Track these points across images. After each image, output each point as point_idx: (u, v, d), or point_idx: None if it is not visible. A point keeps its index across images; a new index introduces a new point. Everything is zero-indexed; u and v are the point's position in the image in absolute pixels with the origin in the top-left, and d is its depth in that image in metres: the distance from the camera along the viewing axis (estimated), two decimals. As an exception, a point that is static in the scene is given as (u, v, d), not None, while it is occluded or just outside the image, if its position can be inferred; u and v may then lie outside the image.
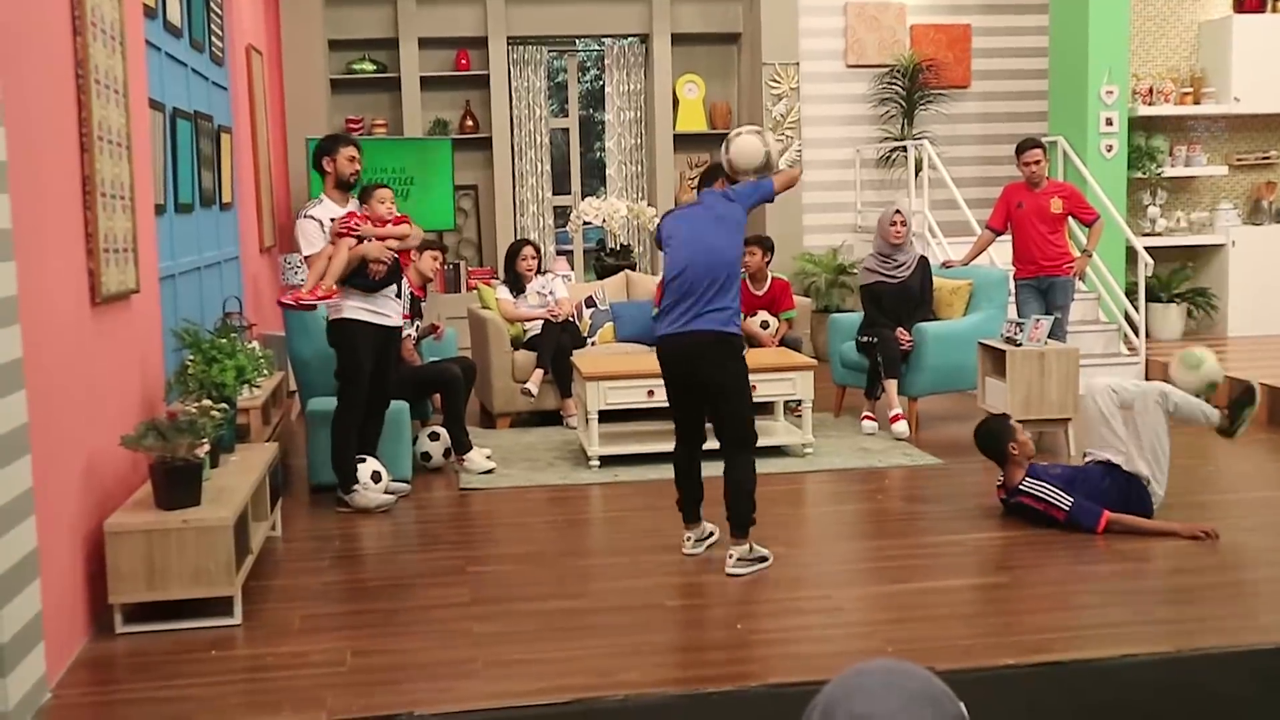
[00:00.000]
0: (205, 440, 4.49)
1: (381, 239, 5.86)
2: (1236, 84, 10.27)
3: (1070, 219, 7.95)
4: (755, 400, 6.96)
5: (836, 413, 7.98)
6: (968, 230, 9.24)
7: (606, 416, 6.87)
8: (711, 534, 5.20)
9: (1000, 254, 8.49)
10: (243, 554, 4.51)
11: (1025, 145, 7.90)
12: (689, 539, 5.17)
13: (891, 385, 7.42)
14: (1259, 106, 10.36)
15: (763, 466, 6.51)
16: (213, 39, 7.52)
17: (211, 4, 7.53)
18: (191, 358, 5.10)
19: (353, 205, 5.93)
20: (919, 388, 7.56)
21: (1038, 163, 7.82)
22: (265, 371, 5.48)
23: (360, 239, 5.77)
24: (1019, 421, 6.43)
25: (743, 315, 7.80)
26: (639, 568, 4.99)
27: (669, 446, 6.73)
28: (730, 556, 4.89)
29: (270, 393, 6.43)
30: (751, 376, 6.73)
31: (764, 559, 4.95)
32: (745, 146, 5.01)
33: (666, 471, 6.40)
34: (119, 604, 4.26)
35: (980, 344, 7.15)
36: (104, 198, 4.52)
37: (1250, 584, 4.68)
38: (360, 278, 5.78)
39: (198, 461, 4.41)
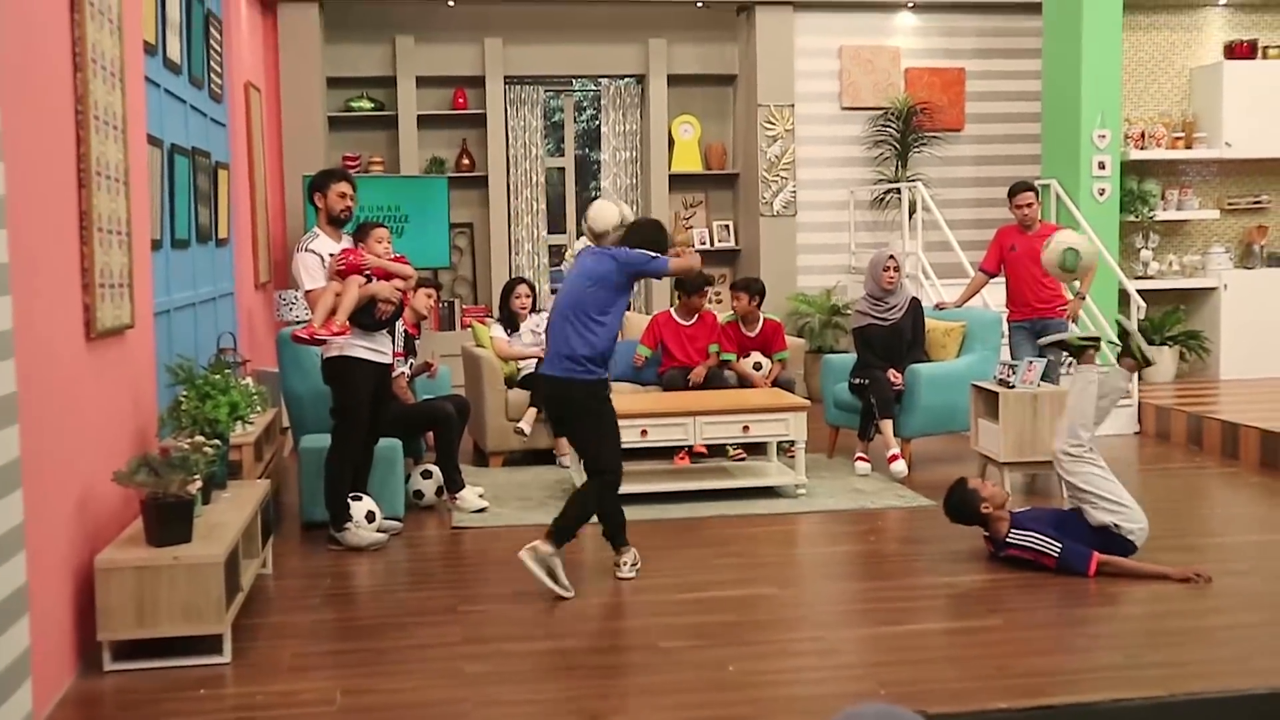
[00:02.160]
0: (197, 477, 4.49)
1: (388, 277, 5.87)
2: (1228, 129, 10.36)
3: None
4: (748, 440, 7.07)
5: (829, 454, 7.98)
6: (961, 272, 9.29)
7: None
8: (635, 563, 5.41)
9: (994, 296, 8.53)
10: (233, 591, 4.49)
11: (1018, 188, 7.95)
12: (621, 566, 5.41)
13: (887, 425, 7.43)
14: (1250, 151, 10.45)
15: (755, 507, 6.59)
16: (212, 76, 7.57)
17: (211, 41, 7.58)
18: (185, 393, 5.09)
19: (346, 241, 5.94)
20: (912, 429, 7.56)
21: (1030, 205, 7.87)
22: (259, 408, 5.47)
23: (369, 278, 5.78)
24: (1006, 464, 6.48)
25: (735, 356, 7.91)
26: (631, 608, 4.97)
27: (662, 486, 6.78)
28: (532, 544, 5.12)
29: (263, 429, 6.42)
30: (744, 417, 6.82)
31: (554, 577, 5.05)
32: (600, 211, 5.50)
33: (659, 511, 6.42)
34: (108, 641, 4.23)
35: (973, 385, 7.17)
36: (101, 233, 4.53)
37: (1243, 627, 4.67)
38: (364, 316, 5.78)
39: (189, 498, 4.40)
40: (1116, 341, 5.76)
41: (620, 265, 5.25)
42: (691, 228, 11.58)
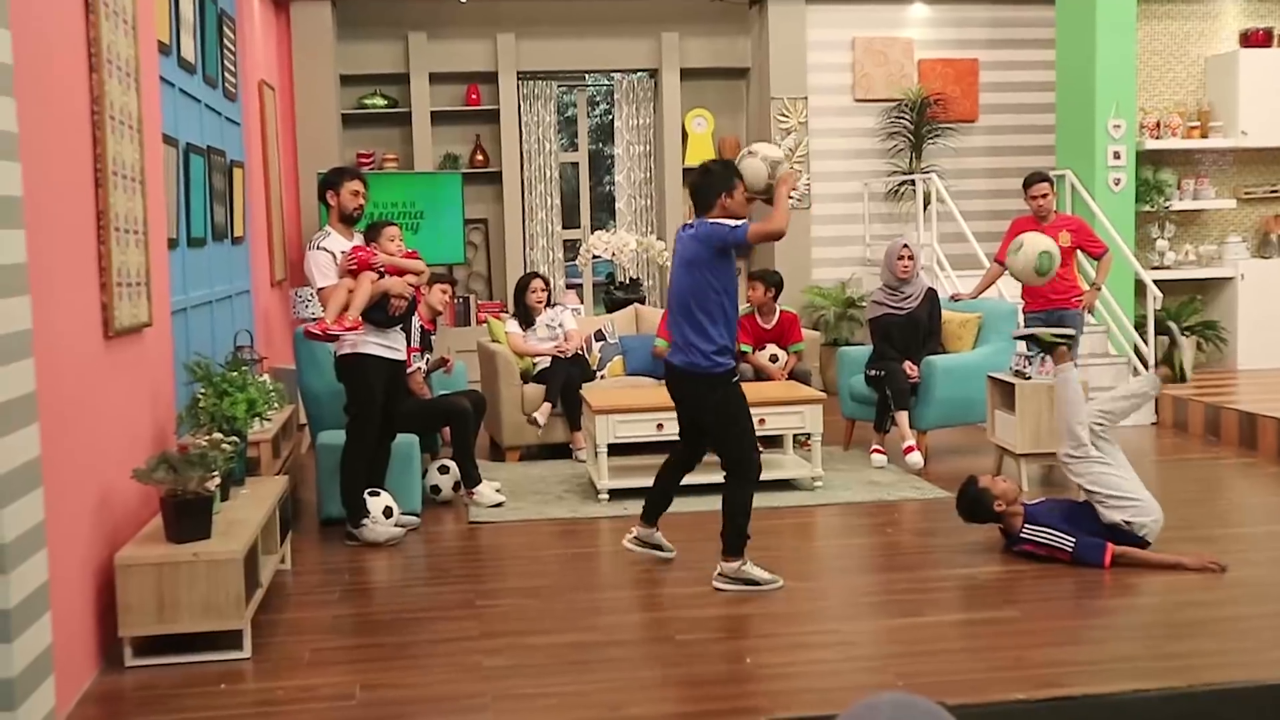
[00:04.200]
0: (216, 473, 4.51)
1: (400, 273, 5.90)
2: (1244, 118, 10.31)
3: (1079, 252, 7.97)
4: (764, 433, 7.06)
5: (846, 446, 7.98)
6: (976, 264, 9.26)
7: (616, 450, 6.88)
8: (659, 547, 5.40)
9: (1009, 287, 8.51)
10: (252, 587, 4.51)
11: (1033, 179, 7.92)
12: (632, 532, 5.45)
13: (903, 417, 7.42)
14: (1266, 140, 10.40)
15: (772, 500, 6.58)
16: (226, 75, 7.60)
17: (225, 40, 7.61)
18: (203, 391, 5.12)
19: (358, 239, 5.96)
20: (928, 420, 7.56)
21: (1045, 196, 7.84)
22: (276, 405, 5.49)
23: (381, 274, 5.81)
24: (1022, 455, 6.48)
25: (750, 348, 7.90)
26: (648, 601, 4.98)
27: (682, 480, 6.76)
28: (716, 571, 5.10)
29: (281, 426, 6.45)
30: (760, 410, 6.80)
31: (753, 582, 5.00)
32: (748, 170, 5.11)
33: (676, 504, 6.40)
34: (129, 637, 4.26)
35: (989, 377, 7.16)
36: (118, 232, 4.56)
37: (1260, 618, 4.66)
38: (378, 312, 5.80)
39: (208, 495, 4.42)
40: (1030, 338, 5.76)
41: (701, 243, 4.99)
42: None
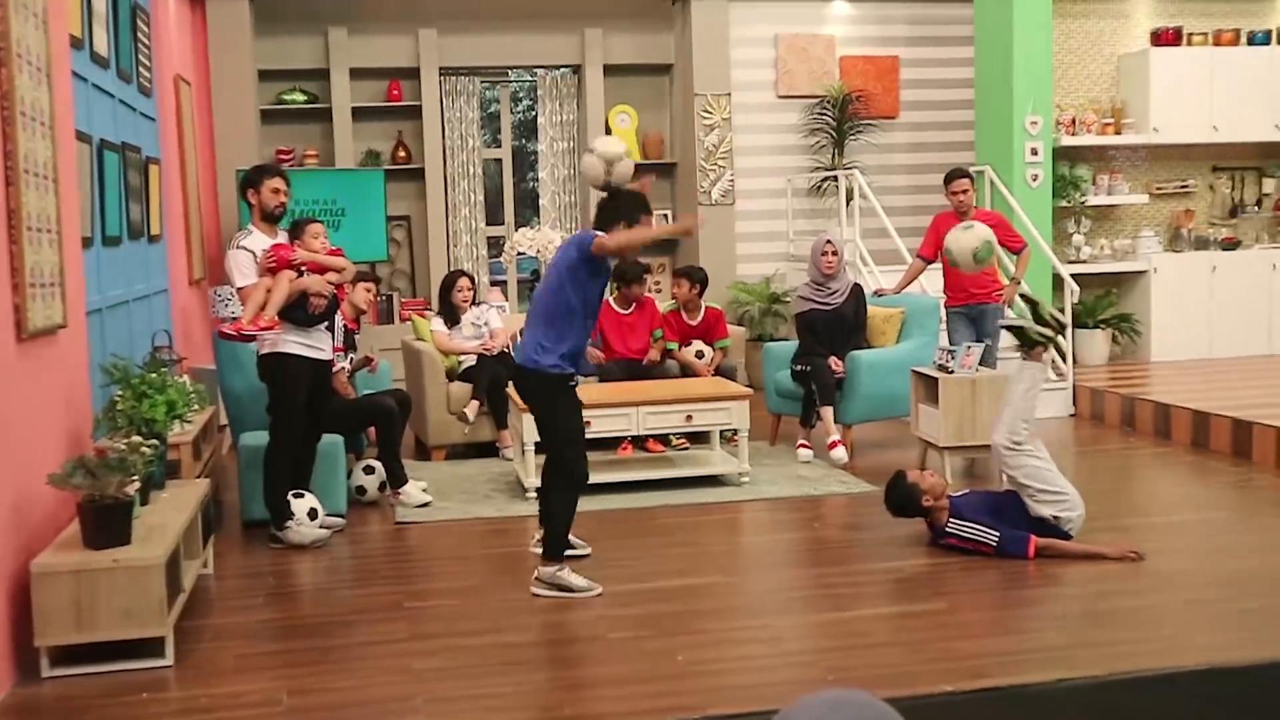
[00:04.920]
0: (135, 478, 4.41)
1: (320, 271, 5.81)
2: (1155, 115, 10.54)
3: (999, 247, 8.07)
4: (691, 429, 7.08)
5: (772, 441, 8.02)
6: (899, 259, 9.36)
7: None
8: (571, 547, 5.30)
9: (931, 282, 8.61)
10: (175, 593, 4.42)
11: (953, 175, 8.03)
12: (535, 537, 5.43)
13: (827, 412, 7.47)
14: (1177, 137, 10.65)
15: (699, 495, 6.61)
16: (140, 69, 7.43)
17: (139, 34, 7.45)
18: (121, 393, 5.00)
19: (281, 237, 5.87)
20: (853, 415, 7.62)
21: (965, 192, 7.94)
22: (196, 406, 5.39)
23: (300, 273, 5.72)
24: (946, 449, 6.56)
25: (676, 345, 7.92)
26: (579, 600, 4.96)
27: (607, 477, 6.77)
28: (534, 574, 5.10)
29: (201, 427, 6.32)
30: (687, 406, 6.83)
31: (569, 589, 4.98)
32: (587, 168, 5.28)
33: (604, 503, 6.42)
34: (45, 647, 4.15)
35: (913, 371, 7.24)
36: (30, 231, 4.44)
37: (1180, 606, 4.76)
38: (299, 311, 5.72)
39: (128, 500, 4.32)
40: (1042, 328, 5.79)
41: (570, 245, 5.01)
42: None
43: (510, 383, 5.47)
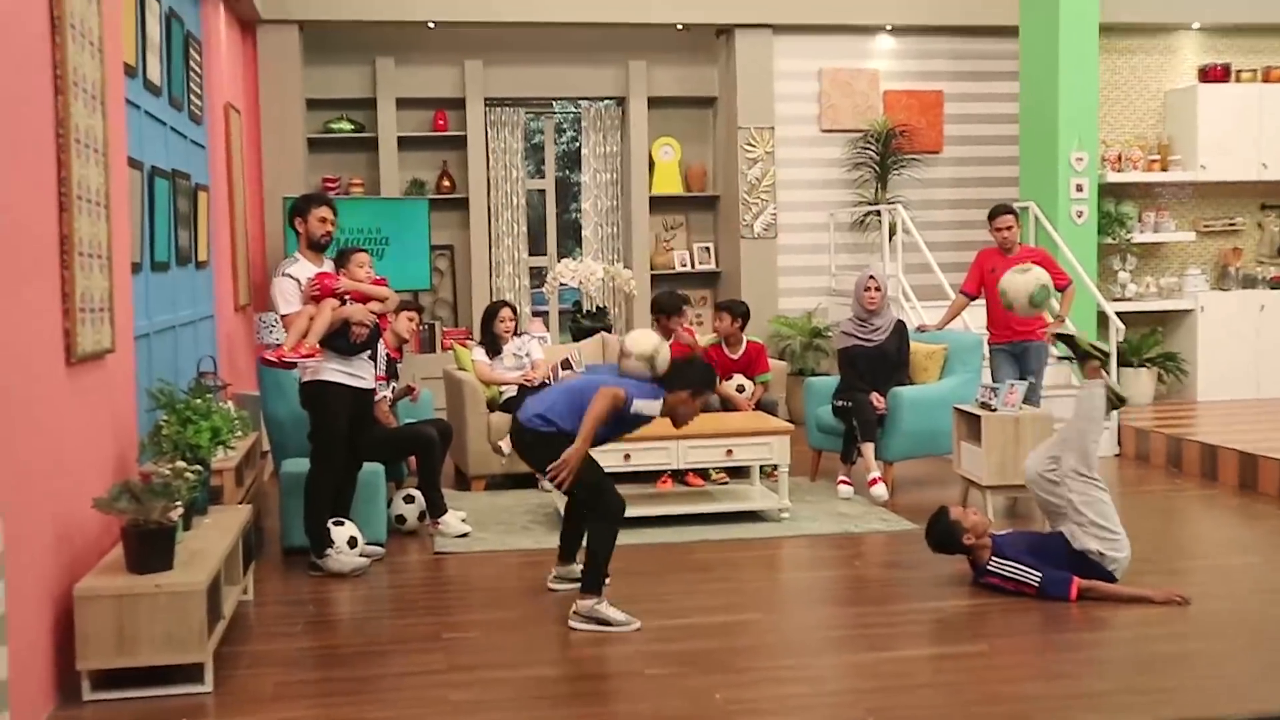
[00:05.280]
0: (179, 503, 4.44)
1: (364, 300, 5.85)
2: (1202, 152, 10.46)
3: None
4: (731, 464, 7.06)
5: (813, 477, 7.97)
6: (942, 294, 9.31)
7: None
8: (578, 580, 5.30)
9: (974, 319, 8.55)
10: (215, 619, 4.44)
11: (997, 211, 7.98)
12: (552, 573, 5.55)
13: (868, 449, 7.43)
14: (1224, 174, 10.55)
15: (738, 531, 6.57)
16: (192, 97, 7.54)
17: (191, 63, 7.56)
18: (166, 418, 5.05)
19: (327, 265, 5.91)
20: (894, 452, 7.57)
21: (1010, 228, 7.90)
22: (240, 432, 5.42)
23: (344, 301, 5.76)
24: (988, 487, 6.50)
25: (719, 379, 7.90)
26: (616, 635, 4.93)
27: (645, 511, 6.75)
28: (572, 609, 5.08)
29: (244, 453, 6.37)
30: (727, 441, 6.81)
31: (607, 622, 4.98)
32: (632, 371, 5.26)
33: (642, 536, 6.40)
34: (87, 670, 4.17)
35: (955, 409, 7.18)
36: (82, 257, 4.49)
37: (1226, 652, 4.67)
38: (340, 339, 5.75)
39: (171, 525, 4.35)
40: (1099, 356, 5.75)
41: (612, 390, 5.08)
42: (672, 249, 11.60)
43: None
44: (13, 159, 3.88)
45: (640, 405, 5.08)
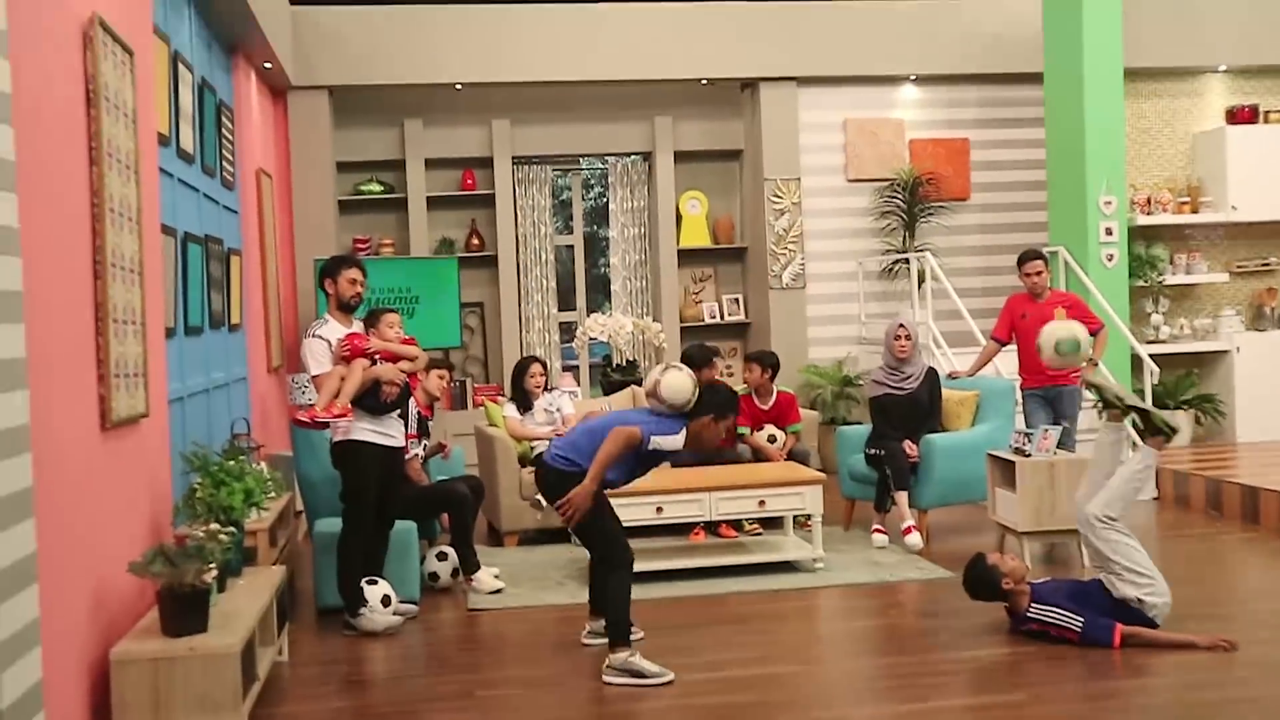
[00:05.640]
0: (213, 565, 4.46)
1: (394, 359, 5.89)
2: (1233, 193, 10.42)
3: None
4: (764, 515, 7.03)
5: (846, 526, 7.93)
6: (972, 341, 9.29)
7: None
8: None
9: (1006, 364, 8.52)
10: (250, 681, 4.45)
11: (1027, 256, 7.97)
12: (586, 628, 5.57)
13: (902, 497, 7.39)
14: (1256, 214, 10.50)
15: (772, 582, 6.53)
16: (224, 164, 7.66)
17: (223, 130, 7.68)
18: (200, 481, 5.09)
19: (357, 326, 5.96)
20: (929, 499, 7.52)
21: (1039, 273, 7.88)
22: (273, 493, 5.45)
23: (374, 360, 5.80)
24: (1024, 534, 6.44)
25: (748, 429, 7.88)
26: (650, 690, 4.90)
27: (678, 564, 6.73)
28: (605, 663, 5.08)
29: (278, 514, 6.40)
30: (759, 492, 6.79)
31: (640, 674, 4.96)
32: (677, 383, 5.21)
33: (676, 589, 6.37)
34: (123, 734, 4.18)
35: (989, 455, 7.13)
36: (116, 323, 4.56)
37: (1274, 698, 4.59)
38: (371, 399, 5.79)
39: (205, 587, 4.37)
40: (1139, 412, 5.73)
41: (636, 428, 5.12)
42: (701, 301, 11.63)
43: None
44: (49, 228, 3.95)
45: (660, 441, 5.09)
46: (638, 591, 5.83)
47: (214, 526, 4.73)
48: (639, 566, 6.58)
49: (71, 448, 4.11)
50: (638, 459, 5.16)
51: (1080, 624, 5.18)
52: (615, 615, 5.10)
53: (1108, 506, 5.38)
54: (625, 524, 6.65)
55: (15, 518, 3.44)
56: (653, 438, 5.07)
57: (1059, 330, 6.30)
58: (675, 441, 5.12)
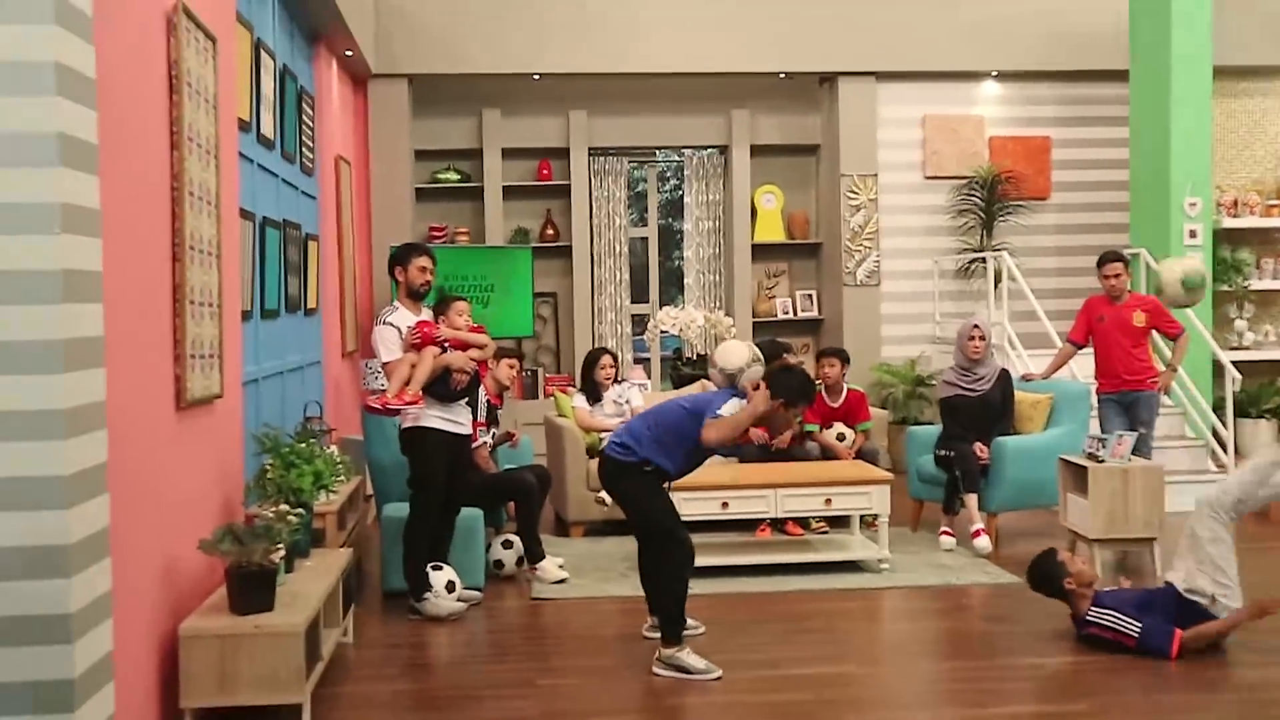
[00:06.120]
0: (281, 545, 4.54)
1: (463, 347, 5.94)
2: (1324, 197, 10.14)
3: (1154, 332, 7.84)
4: (831, 514, 6.98)
5: (913, 527, 7.85)
6: (1048, 343, 9.15)
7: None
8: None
9: (1082, 367, 8.38)
10: (313, 660, 4.52)
11: (1106, 258, 7.83)
12: (649, 621, 5.48)
13: (971, 500, 7.30)
14: (1348, 219, 10.22)
15: (836, 581, 6.49)
16: (303, 150, 7.77)
17: (304, 117, 7.79)
18: (271, 462, 5.17)
19: (426, 314, 6.02)
20: (998, 503, 7.43)
21: (1118, 276, 7.73)
22: (343, 476, 5.53)
23: (444, 349, 5.85)
24: (1095, 541, 6.33)
25: (817, 427, 7.83)
26: (708, 684, 4.90)
27: (743, 559, 6.72)
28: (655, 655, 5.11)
29: (347, 497, 6.49)
30: (827, 490, 6.74)
31: (686, 670, 4.96)
32: (731, 349, 5.14)
33: (739, 585, 6.36)
34: (190, 708, 4.27)
35: (1061, 459, 7.02)
36: (193, 305, 4.64)
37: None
38: (441, 386, 5.84)
39: (272, 567, 4.45)
40: None
41: (703, 408, 5.09)
42: (774, 296, 11.58)
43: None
44: (130, 211, 4.04)
45: (726, 409, 5.04)
46: (701, 585, 5.86)
47: (283, 507, 4.80)
48: (703, 560, 6.61)
49: (146, 426, 4.20)
50: (697, 446, 5.11)
51: (1138, 629, 5.09)
52: (669, 614, 5.09)
53: (1239, 504, 5.22)
54: (690, 518, 6.68)
55: (90, 492, 3.53)
56: (719, 413, 5.03)
57: (1180, 266, 5.93)
58: (731, 406, 5.04)
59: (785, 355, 8.12)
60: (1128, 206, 10.22)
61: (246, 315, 6.00)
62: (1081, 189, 11.34)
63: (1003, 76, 11.23)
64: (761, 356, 5.16)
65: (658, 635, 5.27)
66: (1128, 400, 7.67)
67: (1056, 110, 11.31)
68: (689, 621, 5.30)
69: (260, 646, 4.26)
